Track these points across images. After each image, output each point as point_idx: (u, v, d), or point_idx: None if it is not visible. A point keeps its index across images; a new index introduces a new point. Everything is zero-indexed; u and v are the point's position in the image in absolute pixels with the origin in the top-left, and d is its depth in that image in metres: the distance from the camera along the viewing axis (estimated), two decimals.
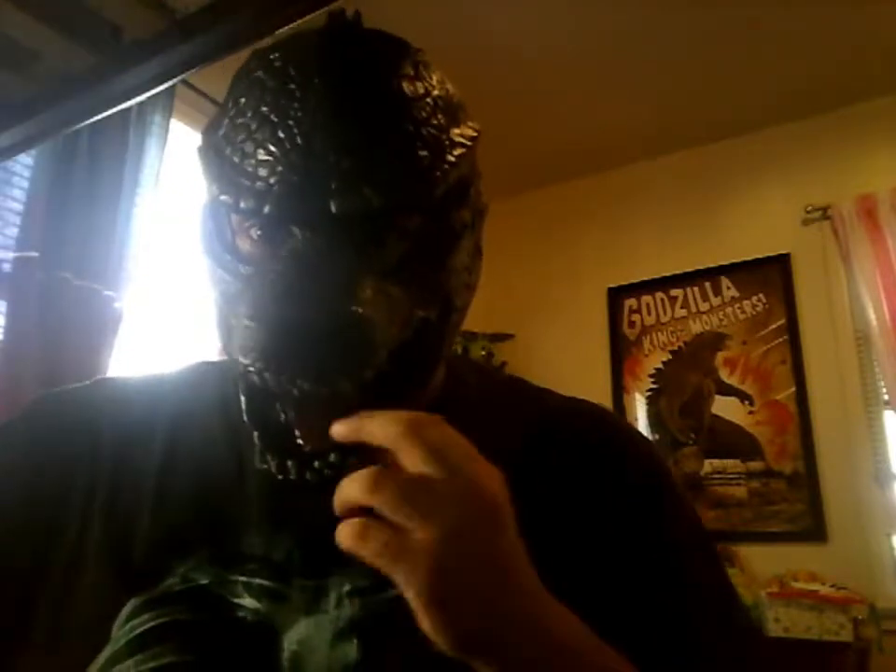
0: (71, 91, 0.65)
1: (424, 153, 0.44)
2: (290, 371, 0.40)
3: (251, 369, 0.41)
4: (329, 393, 0.41)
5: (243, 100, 0.46)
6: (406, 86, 0.46)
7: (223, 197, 0.44)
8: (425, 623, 0.36)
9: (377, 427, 0.39)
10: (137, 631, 0.46)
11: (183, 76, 0.61)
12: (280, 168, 0.42)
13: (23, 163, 1.76)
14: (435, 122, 0.46)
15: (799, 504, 2.72)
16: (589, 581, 0.49)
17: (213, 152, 0.47)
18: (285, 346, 0.40)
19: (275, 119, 0.43)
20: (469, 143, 0.48)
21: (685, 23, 2.47)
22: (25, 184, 1.76)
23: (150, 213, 1.92)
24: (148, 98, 0.64)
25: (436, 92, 0.48)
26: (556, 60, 2.67)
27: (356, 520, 0.38)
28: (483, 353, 3.18)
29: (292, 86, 0.44)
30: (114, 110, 0.65)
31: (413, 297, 0.46)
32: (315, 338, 0.40)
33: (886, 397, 2.68)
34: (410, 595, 0.36)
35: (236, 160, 0.44)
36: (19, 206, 1.75)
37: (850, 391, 2.72)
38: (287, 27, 0.58)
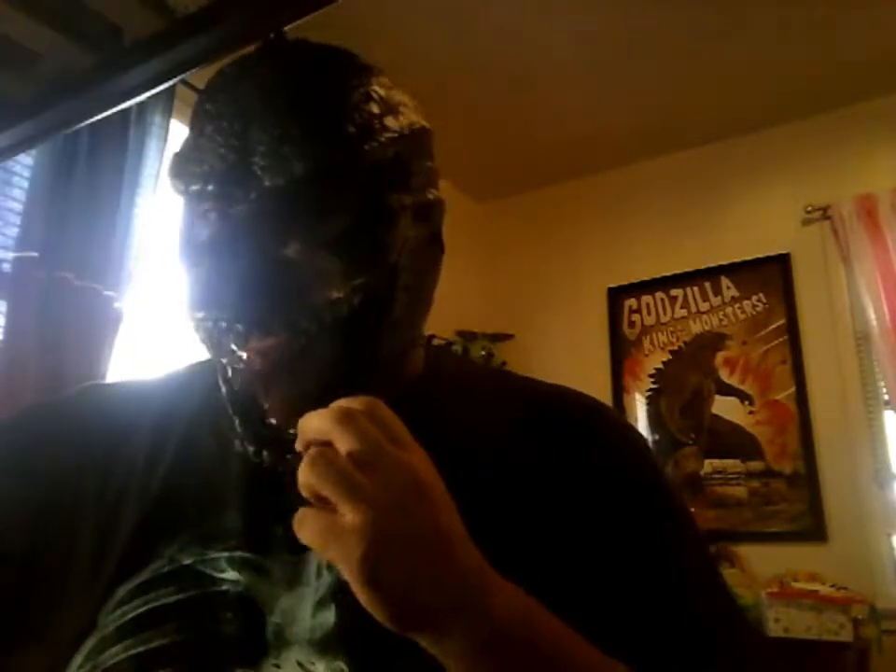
0: (71, 91, 0.65)
1: (351, 128, 0.48)
2: (226, 314, 0.46)
3: (200, 321, 0.48)
4: (266, 339, 0.46)
5: (199, 105, 0.51)
6: (342, 80, 0.50)
7: (178, 183, 0.49)
8: (362, 601, 0.37)
9: (316, 421, 0.40)
10: (128, 616, 0.48)
11: (183, 76, 0.61)
12: (221, 150, 0.47)
13: (23, 163, 1.76)
14: (367, 108, 0.50)
15: (799, 504, 2.73)
16: (575, 572, 0.50)
17: (175, 160, 0.51)
18: (218, 294, 0.47)
19: (218, 112, 0.49)
20: (401, 130, 0.52)
21: (685, 23, 2.47)
22: (25, 184, 1.75)
23: (150, 213, 1.92)
24: (148, 98, 0.64)
25: (374, 87, 0.52)
26: (556, 60, 2.67)
27: (301, 508, 0.39)
28: (483, 353, 3.18)
29: (234, 85, 0.50)
30: (114, 110, 0.65)
31: (348, 263, 0.49)
32: (242, 285, 0.46)
33: (886, 397, 2.68)
34: (346, 575, 0.37)
35: (188, 151, 0.50)
36: (19, 206, 1.74)
37: (850, 391, 2.72)
38: (287, 27, 0.58)
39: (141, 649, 0.46)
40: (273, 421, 0.48)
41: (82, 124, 0.68)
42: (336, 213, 0.49)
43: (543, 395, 0.62)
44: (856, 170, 2.88)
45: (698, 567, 0.56)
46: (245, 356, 0.47)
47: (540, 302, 3.43)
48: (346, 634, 0.46)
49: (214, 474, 0.54)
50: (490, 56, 2.62)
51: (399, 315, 0.53)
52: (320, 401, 0.43)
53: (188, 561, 0.49)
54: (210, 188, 0.47)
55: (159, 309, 2.11)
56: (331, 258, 0.48)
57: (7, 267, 1.69)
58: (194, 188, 0.48)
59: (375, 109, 0.50)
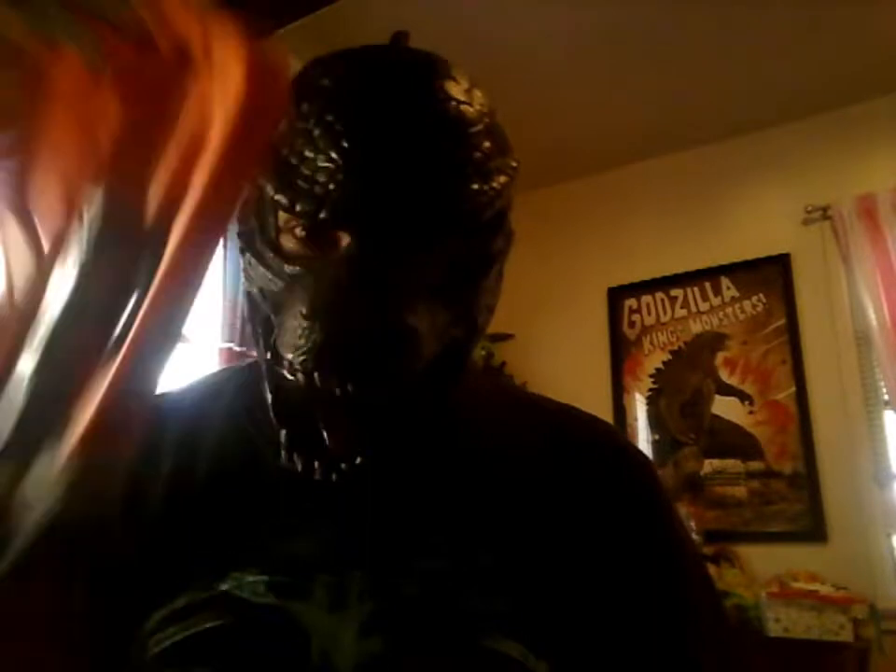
0: None
1: (475, 178, 0.47)
2: (341, 373, 0.43)
3: (298, 367, 0.44)
4: (370, 399, 0.44)
5: (305, 105, 0.47)
6: (463, 109, 0.48)
7: (278, 197, 0.46)
8: None
9: None
10: (164, 644, 0.46)
11: None
12: (340, 176, 0.44)
13: None
14: (485, 147, 0.48)
15: (799, 504, 2.72)
16: (582, 585, 0.51)
17: (270, 151, 0.47)
18: (340, 349, 0.43)
19: (339, 129, 0.45)
20: (511, 173, 0.50)
21: (685, 23, 2.47)
22: None
23: None
24: None
25: (486, 119, 0.50)
26: (555, 59, 2.67)
27: None
28: (483, 353, 3.17)
29: (357, 99, 0.46)
30: None
31: (451, 316, 0.48)
32: (370, 345, 0.43)
33: (886, 397, 2.68)
34: None
35: (294, 161, 0.46)
36: None
37: (850, 391, 2.72)
38: (287, 27, 0.58)
39: None
40: (333, 451, 0.47)
41: None
42: (443, 261, 0.48)
43: (574, 426, 0.60)
44: (856, 170, 2.88)
45: (701, 596, 0.57)
46: (332, 392, 0.44)
47: (540, 302, 3.43)
48: (395, 664, 0.45)
49: (247, 494, 0.52)
50: (489, 56, 2.62)
51: (471, 354, 0.53)
52: (381, 442, 0.45)
53: (225, 587, 0.47)
54: (323, 214, 0.44)
55: None
56: (441, 307, 0.47)
57: None
58: (301, 208, 0.45)
59: (491, 147, 0.49)
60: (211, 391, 0.61)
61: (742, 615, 2.34)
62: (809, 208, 2.90)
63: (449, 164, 0.46)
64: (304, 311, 0.44)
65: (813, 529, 2.67)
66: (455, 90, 0.49)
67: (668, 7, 2.38)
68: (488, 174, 0.48)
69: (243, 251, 0.52)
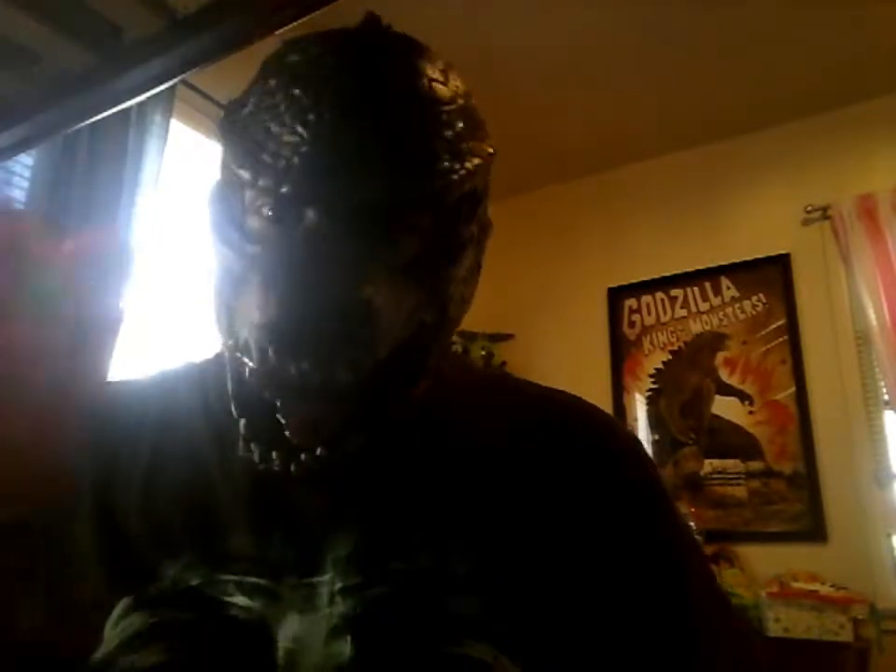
0: (71, 91, 0.65)
1: (445, 156, 0.45)
2: (294, 348, 0.41)
3: (253, 344, 0.42)
4: (325, 379, 0.41)
5: (273, 81, 0.46)
6: (436, 87, 0.47)
7: (241, 171, 0.44)
8: None
9: None
10: (129, 632, 0.45)
11: (183, 76, 0.61)
12: (304, 149, 0.42)
13: (23, 163, 1.76)
14: (458, 128, 0.46)
15: (799, 504, 2.72)
16: (570, 581, 0.49)
17: (237, 127, 0.47)
18: (293, 324, 0.41)
19: (306, 104, 0.43)
20: (485, 156, 0.48)
21: (685, 23, 2.47)
22: (25, 184, 1.75)
23: (150, 213, 1.92)
24: (148, 98, 0.64)
25: (461, 101, 0.48)
26: (555, 60, 2.67)
27: None
28: (483, 353, 3.18)
29: (326, 73, 0.45)
30: (114, 110, 0.65)
31: (418, 298, 0.46)
32: (323, 320, 0.41)
33: (886, 397, 2.68)
34: None
35: (259, 137, 0.44)
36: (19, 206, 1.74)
37: (850, 391, 2.72)
38: (286, 27, 0.58)
39: (144, 664, 0.44)
40: (294, 439, 0.45)
41: (82, 124, 0.68)
42: (410, 241, 0.46)
43: (548, 403, 0.59)
44: (856, 170, 2.88)
45: (701, 580, 0.55)
46: (287, 372, 0.42)
47: (540, 302, 3.43)
48: (365, 667, 0.44)
49: (217, 489, 0.51)
50: (489, 56, 2.62)
51: (443, 349, 0.52)
52: (342, 429, 0.43)
53: (194, 582, 0.47)
54: (285, 188, 0.42)
55: (158, 309, 2.11)
56: (407, 287, 0.45)
57: None
58: (264, 183, 0.43)
59: (464, 128, 0.47)
60: (180, 385, 0.59)
61: (742, 615, 2.34)
62: (809, 208, 2.90)
63: (419, 139, 0.44)
64: (261, 287, 0.43)
65: (813, 529, 2.67)
66: (429, 68, 0.47)
67: (668, 7, 2.38)
68: (460, 153, 0.46)
69: (209, 232, 0.50)
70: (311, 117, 0.43)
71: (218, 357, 0.56)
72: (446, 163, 0.45)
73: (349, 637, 0.44)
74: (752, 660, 0.56)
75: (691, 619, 0.52)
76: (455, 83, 0.49)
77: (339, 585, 0.46)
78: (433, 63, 0.48)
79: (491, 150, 0.50)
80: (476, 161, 0.47)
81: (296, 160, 0.42)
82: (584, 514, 0.52)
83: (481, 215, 0.52)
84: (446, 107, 0.46)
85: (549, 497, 0.52)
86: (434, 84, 0.47)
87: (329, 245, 0.42)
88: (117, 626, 0.46)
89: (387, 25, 0.49)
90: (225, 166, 0.48)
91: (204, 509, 0.50)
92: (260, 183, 0.43)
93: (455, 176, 0.45)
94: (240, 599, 0.46)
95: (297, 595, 0.46)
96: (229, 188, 0.49)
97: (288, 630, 0.45)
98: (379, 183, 0.42)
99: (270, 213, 0.45)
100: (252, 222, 0.47)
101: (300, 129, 0.43)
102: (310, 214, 0.43)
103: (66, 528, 0.51)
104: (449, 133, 0.46)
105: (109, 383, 0.62)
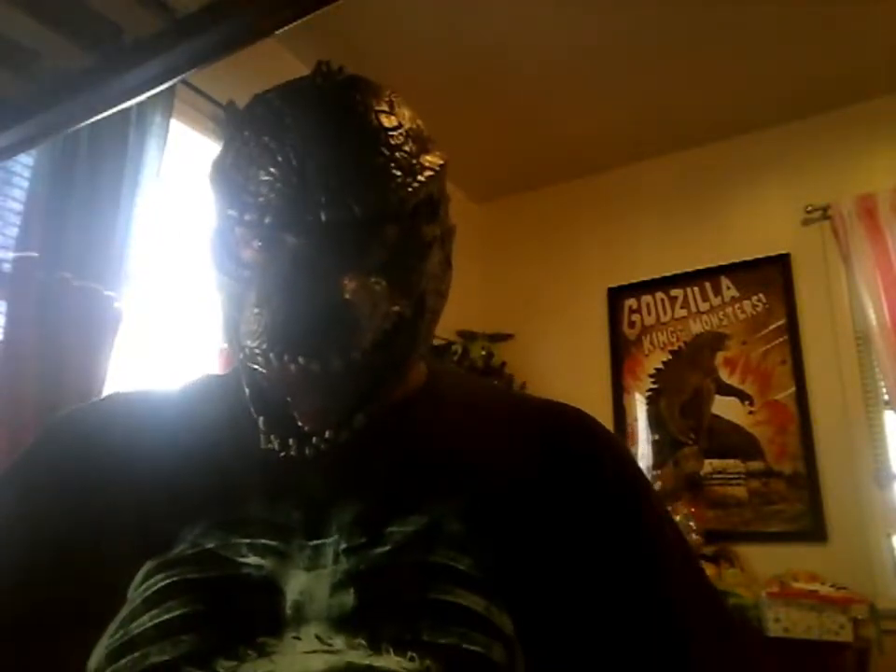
0: (71, 91, 0.65)
1: (398, 173, 0.53)
2: (290, 348, 0.49)
3: (257, 350, 0.50)
4: (322, 370, 0.49)
5: (247, 133, 0.55)
6: (383, 118, 0.55)
7: (230, 211, 0.53)
8: None
9: None
10: (152, 589, 0.51)
11: (183, 76, 0.61)
12: (279, 185, 0.51)
13: (23, 163, 1.76)
14: (407, 149, 0.55)
15: (799, 504, 2.73)
16: (568, 587, 0.54)
17: (222, 177, 0.55)
18: (286, 328, 0.49)
19: (274, 147, 0.52)
20: (437, 168, 0.57)
21: (685, 23, 2.47)
22: (25, 184, 1.75)
23: (150, 213, 1.92)
24: (148, 98, 0.64)
25: (407, 125, 0.56)
26: (555, 60, 2.67)
27: None
28: (483, 353, 3.18)
29: (288, 121, 0.53)
30: (114, 110, 0.65)
31: (392, 293, 0.54)
32: (310, 321, 0.49)
33: (886, 397, 2.68)
34: None
35: (241, 180, 0.53)
36: (19, 206, 1.74)
37: (850, 391, 2.72)
38: (286, 27, 0.58)
39: (165, 617, 0.49)
40: (305, 426, 0.53)
41: (82, 124, 0.68)
42: (379, 247, 0.54)
43: (535, 410, 0.66)
44: (856, 170, 2.88)
45: (691, 581, 0.61)
46: (289, 370, 0.50)
47: (540, 302, 3.43)
48: (367, 614, 0.49)
49: (235, 471, 0.58)
50: (489, 56, 2.62)
51: (425, 337, 0.59)
52: (347, 413, 0.52)
53: (210, 545, 0.53)
54: (267, 220, 0.51)
55: (158, 309, 2.11)
56: (379, 284, 0.53)
57: (6, 267, 1.69)
58: (249, 217, 0.52)
59: (413, 147, 0.55)
60: (201, 394, 0.68)
61: (742, 615, 2.34)
62: (809, 208, 2.90)
63: (373, 162, 0.52)
64: (256, 302, 0.52)
65: (813, 529, 2.67)
66: (376, 102, 0.56)
67: (668, 7, 2.38)
68: (411, 169, 0.54)
69: (213, 270, 0.58)
70: (280, 158, 0.52)
71: (234, 370, 0.64)
72: (399, 179, 0.53)
73: (352, 590, 0.50)
74: (734, 641, 0.61)
75: (663, 588, 0.57)
76: (402, 110, 0.57)
77: (343, 546, 0.52)
78: (379, 96, 0.56)
79: (442, 161, 0.58)
80: (428, 173, 0.55)
81: (272, 195, 0.51)
82: (568, 490, 0.58)
83: (442, 217, 0.60)
84: (394, 132, 0.55)
85: (535, 471, 0.59)
86: (381, 115, 0.55)
87: (310, 261, 0.51)
88: (140, 587, 0.52)
89: (339, 68, 0.58)
90: (217, 210, 0.57)
91: (222, 483, 0.57)
92: (246, 218, 0.52)
93: (410, 189, 0.53)
94: (252, 559, 0.52)
95: (304, 554, 0.52)
96: (222, 227, 0.57)
97: (296, 585, 0.51)
98: (344, 204, 0.50)
99: (259, 244, 0.54)
100: (244, 252, 0.55)
101: (272, 169, 0.52)
102: (290, 238, 0.52)
103: (97, 521, 0.57)
104: (399, 154, 0.54)
105: (130, 393, 0.71)
